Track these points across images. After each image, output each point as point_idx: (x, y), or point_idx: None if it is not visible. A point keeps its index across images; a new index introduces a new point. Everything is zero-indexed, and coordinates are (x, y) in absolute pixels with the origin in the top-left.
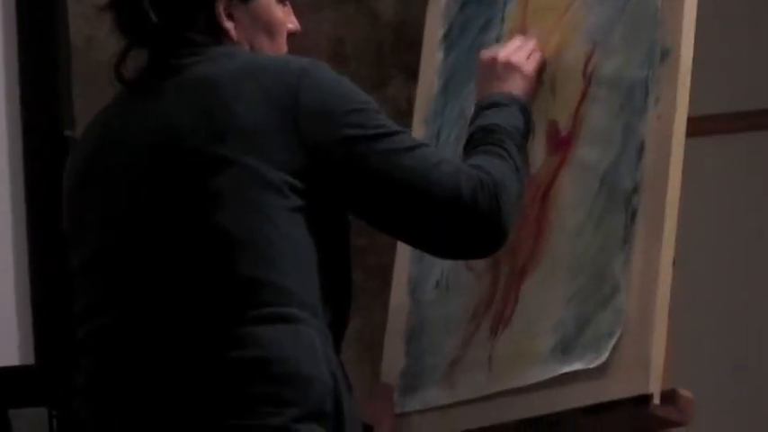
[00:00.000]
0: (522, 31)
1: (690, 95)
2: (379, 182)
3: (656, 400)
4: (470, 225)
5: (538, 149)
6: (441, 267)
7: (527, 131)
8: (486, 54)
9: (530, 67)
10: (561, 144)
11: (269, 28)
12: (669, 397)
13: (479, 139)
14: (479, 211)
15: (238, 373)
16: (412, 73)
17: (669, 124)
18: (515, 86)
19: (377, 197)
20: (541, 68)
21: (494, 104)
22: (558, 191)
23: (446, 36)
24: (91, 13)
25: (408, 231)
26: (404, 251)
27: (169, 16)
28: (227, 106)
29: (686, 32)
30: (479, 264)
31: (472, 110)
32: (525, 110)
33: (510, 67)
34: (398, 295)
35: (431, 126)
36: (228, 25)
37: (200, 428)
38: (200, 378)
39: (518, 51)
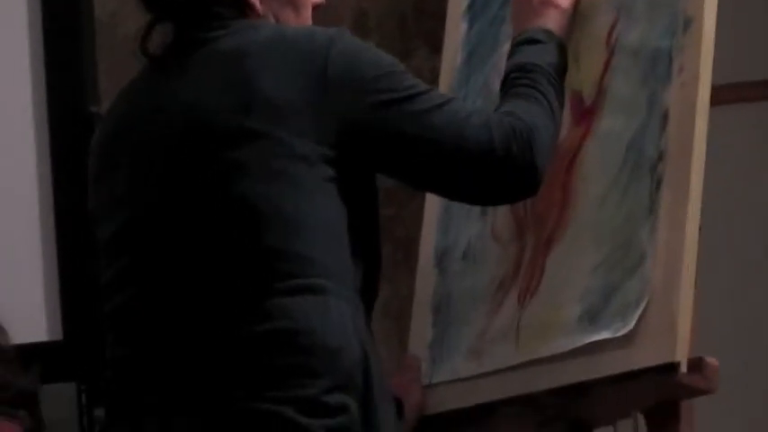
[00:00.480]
0: None
1: (713, 64)
2: (413, 142)
3: (684, 369)
4: (505, 173)
5: (562, 120)
6: (467, 238)
7: (564, 68)
8: None
9: (565, 2)
10: (585, 114)
11: (294, 1)
12: (696, 365)
13: (515, 79)
14: (513, 158)
15: (266, 345)
16: (435, 44)
17: (693, 93)
18: (552, 21)
19: (411, 157)
20: (576, 3)
21: (531, 40)
22: (583, 161)
23: (470, 7)
24: None
25: (445, 186)
26: (430, 223)
27: None
28: (253, 79)
29: (709, 1)
30: (505, 234)
31: (497, 81)
32: (562, 46)
33: (546, 1)
34: (425, 267)
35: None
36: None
37: (230, 401)
38: (228, 350)
39: None
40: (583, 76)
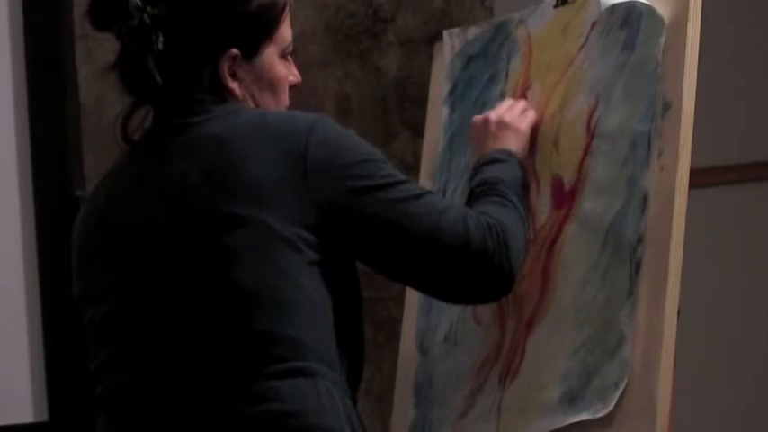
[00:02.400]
0: (526, 86)
1: (692, 147)
2: (389, 230)
3: None
4: (480, 269)
5: (543, 203)
6: (449, 321)
7: (526, 184)
8: (478, 117)
9: (523, 124)
10: (565, 198)
11: (272, 84)
12: None
13: (482, 192)
14: (488, 255)
15: (260, 427)
16: (417, 128)
17: (672, 176)
18: (511, 143)
19: (386, 245)
20: (535, 126)
21: (492, 161)
22: (563, 244)
23: (451, 92)
24: (100, 74)
25: (419, 278)
26: (412, 305)
27: (173, 76)
28: (236, 164)
29: (687, 86)
30: (486, 317)
31: None
32: (522, 165)
33: (504, 125)
34: (407, 348)
35: (437, 181)
36: (233, 84)
37: None
38: None
39: (510, 110)
40: (563, 160)
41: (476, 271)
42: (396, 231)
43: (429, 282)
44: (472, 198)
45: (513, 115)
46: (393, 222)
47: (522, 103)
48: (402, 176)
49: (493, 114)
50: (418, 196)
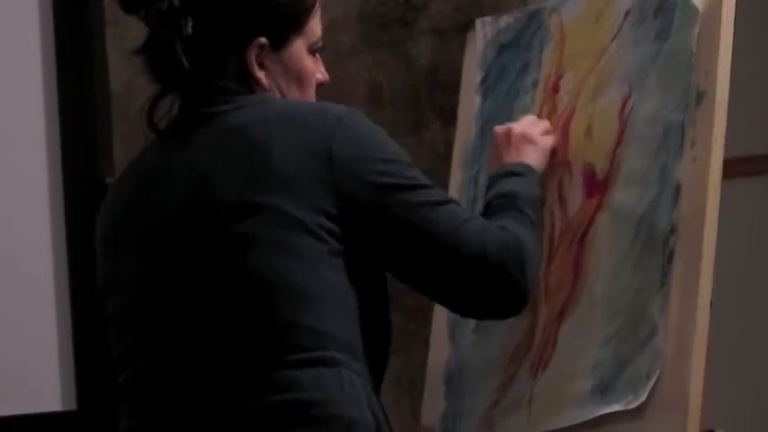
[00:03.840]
0: (559, 75)
1: (725, 137)
2: (406, 232)
3: None
4: (494, 284)
5: (575, 193)
6: None
7: (542, 201)
8: (500, 127)
9: (545, 142)
10: (598, 187)
11: (299, 78)
12: None
13: (499, 205)
14: (504, 270)
15: (281, 416)
16: (448, 117)
17: (705, 167)
18: (531, 158)
19: (402, 247)
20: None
21: (511, 173)
22: (596, 234)
23: (483, 81)
24: (129, 60)
25: (431, 285)
26: None
27: (201, 62)
28: (261, 153)
29: (721, 76)
30: None
31: None
32: (539, 181)
33: (526, 138)
34: (438, 338)
35: (468, 171)
36: (260, 74)
37: None
38: (242, 422)
39: (533, 126)
40: (596, 150)
41: (490, 284)
42: (413, 235)
43: (441, 290)
44: (489, 210)
45: (536, 130)
46: (411, 225)
47: (545, 123)
48: (426, 181)
49: (516, 126)
50: (440, 203)
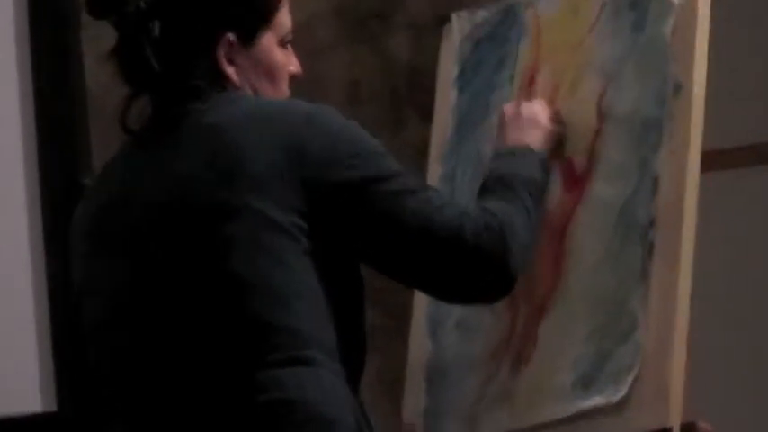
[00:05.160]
0: (536, 68)
1: (703, 130)
2: (382, 223)
3: None
4: (474, 268)
5: (554, 187)
6: (460, 308)
7: (543, 183)
8: (509, 106)
9: (551, 126)
10: (577, 181)
11: (270, 72)
12: (689, 430)
13: (492, 186)
14: (483, 253)
15: (262, 417)
16: (427, 114)
17: (683, 159)
18: (536, 140)
19: (380, 239)
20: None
21: (512, 153)
22: (576, 227)
23: (460, 76)
24: (105, 60)
25: (412, 275)
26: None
27: (171, 63)
28: (234, 153)
29: (698, 67)
30: (498, 303)
31: (487, 149)
32: (543, 162)
33: (534, 121)
34: (418, 335)
35: (446, 165)
36: (230, 70)
37: None
38: (223, 424)
39: (543, 111)
40: (574, 143)
41: (470, 270)
42: (388, 225)
43: (422, 277)
44: (483, 189)
45: (545, 114)
46: (386, 215)
47: (553, 109)
48: (401, 169)
49: (525, 107)
50: (415, 191)
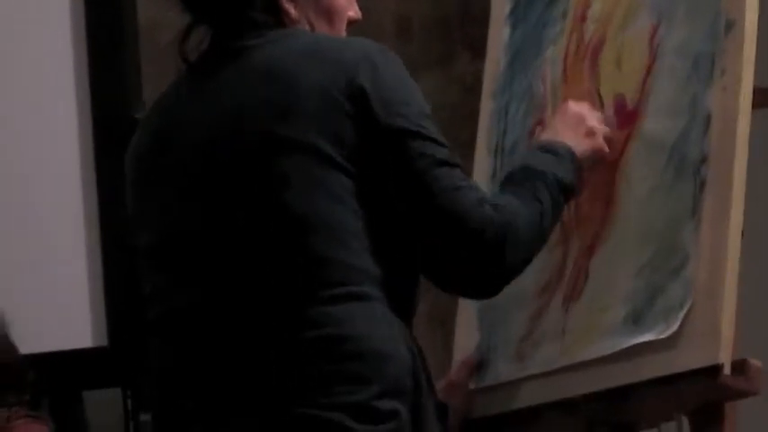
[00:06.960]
0: (588, 4)
1: (755, 66)
2: (403, 178)
3: (727, 371)
4: (470, 254)
5: (607, 123)
6: None
7: (571, 188)
8: (575, 104)
9: (600, 144)
10: (629, 117)
11: (330, 13)
12: (739, 367)
13: (518, 179)
14: (483, 243)
15: (315, 352)
16: (478, 49)
17: (735, 96)
18: (579, 147)
19: (397, 191)
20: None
21: (551, 150)
22: (627, 163)
23: (512, 11)
24: None
25: (414, 232)
26: None
27: None
28: (289, 88)
29: (750, 3)
30: (550, 238)
31: (540, 85)
32: (577, 167)
33: (589, 130)
34: None
35: (498, 101)
36: (288, 5)
37: (278, 408)
38: (276, 358)
39: (602, 124)
40: (626, 80)
41: (466, 255)
42: (408, 182)
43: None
44: (507, 179)
45: (600, 129)
46: (408, 173)
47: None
48: (439, 137)
49: (588, 113)
50: (444, 162)
